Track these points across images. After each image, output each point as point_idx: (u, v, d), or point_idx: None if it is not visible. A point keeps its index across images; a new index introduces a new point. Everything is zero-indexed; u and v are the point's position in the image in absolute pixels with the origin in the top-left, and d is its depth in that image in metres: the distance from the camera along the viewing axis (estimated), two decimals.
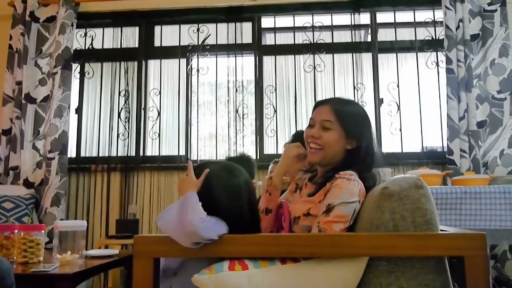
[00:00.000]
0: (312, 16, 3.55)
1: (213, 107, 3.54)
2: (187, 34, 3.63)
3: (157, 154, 3.51)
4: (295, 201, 1.54)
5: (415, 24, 3.47)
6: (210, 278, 1.13)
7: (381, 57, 3.50)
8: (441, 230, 1.24)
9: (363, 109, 1.54)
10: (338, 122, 1.43)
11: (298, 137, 1.97)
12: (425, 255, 1.18)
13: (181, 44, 3.60)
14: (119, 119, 3.54)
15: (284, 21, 3.63)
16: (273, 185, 1.52)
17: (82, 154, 3.59)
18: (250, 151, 3.42)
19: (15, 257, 2.03)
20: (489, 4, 3.23)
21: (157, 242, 1.24)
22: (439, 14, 3.39)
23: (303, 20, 3.57)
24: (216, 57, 3.57)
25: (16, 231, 2.07)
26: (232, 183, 1.33)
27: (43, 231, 2.13)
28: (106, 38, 3.69)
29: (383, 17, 3.56)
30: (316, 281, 1.17)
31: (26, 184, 3.27)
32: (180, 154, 3.47)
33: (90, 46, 3.69)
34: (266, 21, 3.64)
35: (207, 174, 1.32)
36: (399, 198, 1.21)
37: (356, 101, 3.37)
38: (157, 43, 3.70)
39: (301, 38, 3.56)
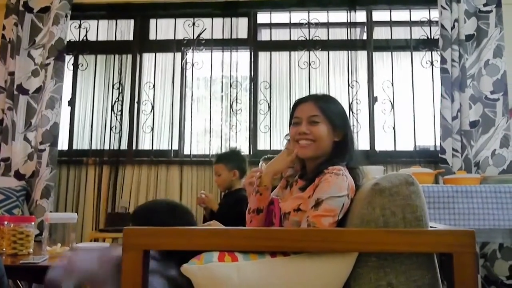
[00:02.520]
0: (308, 12, 3.54)
1: (207, 102, 3.53)
2: (182, 28, 3.61)
3: (149, 148, 3.49)
4: (286, 198, 1.54)
5: (410, 23, 3.47)
6: (199, 268, 1.13)
7: (376, 55, 3.50)
8: (430, 227, 1.25)
9: (340, 102, 1.60)
10: (324, 115, 1.47)
11: None
12: (414, 251, 1.19)
13: (176, 38, 3.58)
14: (112, 112, 3.52)
15: (280, 17, 3.62)
16: (263, 185, 1.51)
17: (74, 147, 3.56)
18: (244, 146, 3.42)
19: (4, 249, 2.01)
20: (484, 5, 3.24)
21: (147, 234, 1.22)
22: (434, 14, 3.39)
23: (299, 16, 3.56)
24: (211, 52, 3.55)
25: (6, 222, 2.05)
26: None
27: (33, 223, 2.12)
28: (100, 30, 3.66)
29: (379, 15, 3.56)
30: (306, 275, 1.17)
31: (17, 175, 3.24)
32: (173, 148, 3.46)
33: (84, 38, 3.65)
34: (262, 17, 3.63)
35: (148, 214, 1.49)
36: (390, 194, 1.22)
37: (351, 98, 3.39)
38: (152, 37, 3.67)
39: (297, 34, 3.55)
